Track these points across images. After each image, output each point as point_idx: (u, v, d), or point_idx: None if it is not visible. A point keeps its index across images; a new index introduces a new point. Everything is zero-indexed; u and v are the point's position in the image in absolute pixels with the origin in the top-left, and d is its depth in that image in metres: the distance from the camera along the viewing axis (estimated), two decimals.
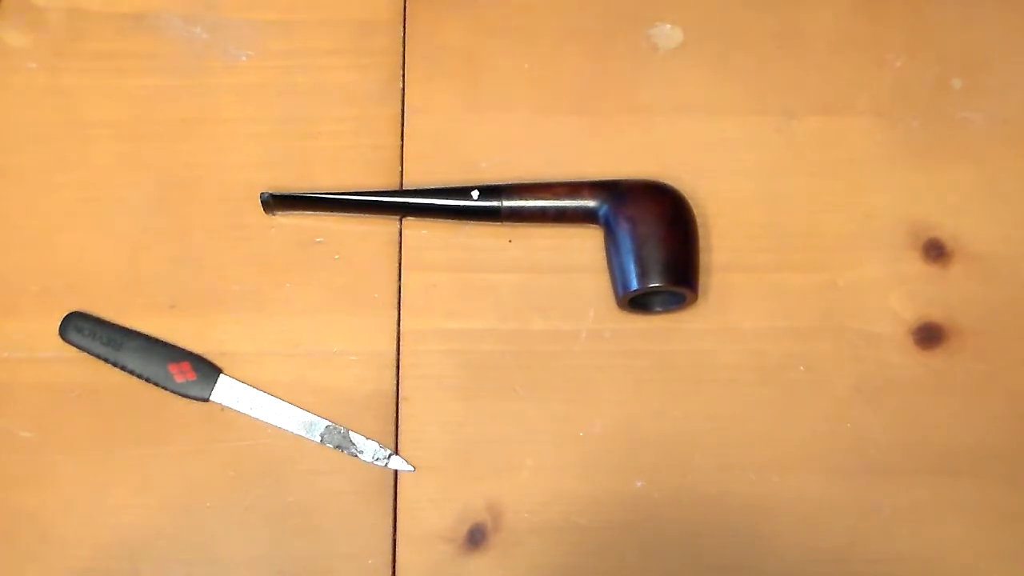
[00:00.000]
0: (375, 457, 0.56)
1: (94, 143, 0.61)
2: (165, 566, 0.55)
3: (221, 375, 0.57)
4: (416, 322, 0.58)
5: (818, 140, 0.61)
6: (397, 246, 0.60)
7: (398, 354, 0.58)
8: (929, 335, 0.58)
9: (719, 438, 0.57)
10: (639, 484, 0.56)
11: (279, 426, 0.56)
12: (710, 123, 0.62)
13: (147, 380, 0.57)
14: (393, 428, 0.57)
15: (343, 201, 0.59)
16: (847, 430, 0.57)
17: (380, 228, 0.60)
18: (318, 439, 0.56)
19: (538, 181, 0.59)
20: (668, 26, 0.64)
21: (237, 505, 0.56)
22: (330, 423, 0.57)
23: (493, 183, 0.58)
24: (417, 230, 0.60)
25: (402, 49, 0.63)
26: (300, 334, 0.58)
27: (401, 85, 0.62)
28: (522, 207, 0.58)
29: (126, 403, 0.57)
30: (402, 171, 0.61)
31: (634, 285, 0.55)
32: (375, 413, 0.57)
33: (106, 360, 0.57)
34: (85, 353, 0.57)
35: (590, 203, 0.58)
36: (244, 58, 0.63)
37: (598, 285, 0.59)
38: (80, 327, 0.57)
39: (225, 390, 0.57)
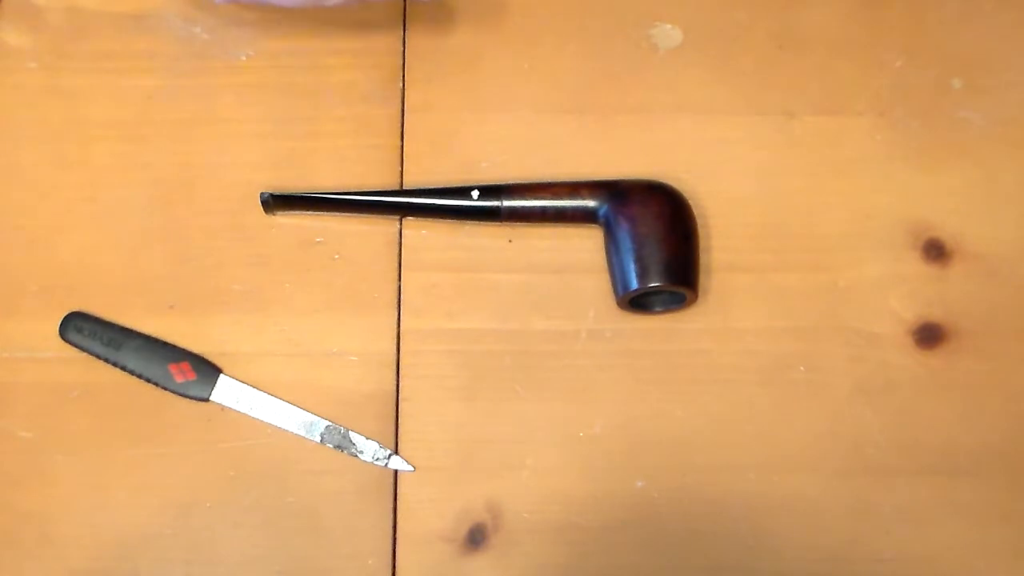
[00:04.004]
0: (375, 457, 0.56)
1: (94, 143, 0.61)
2: (165, 566, 0.55)
3: (221, 375, 0.57)
4: (416, 322, 0.58)
5: (818, 140, 0.61)
6: (397, 246, 0.60)
7: (398, 354, 0.58)
8: (929, 335, 0.58)
9: (719, 438, 0.57)
10: (639, 484, 0.56)
11: (279, 426, 0.56)
12: (710, 123, 0.62)
13: (147, 380, 0.57)
14: (393, 428, 0.57)
15: (343, 201, 0.59)
16: (847, 430, 0.57)
17: (380, 228, 0.60)
18: (318, 439, 0.56)
19: (538, 181, 0.59)
20: (668, 26, 0.64)
21: (237, 505, 0.56)
22: (330, 423, 0.57)
23: (493, 183, 0.58)
24: (417, 230, 0.60)
25: (402, 49, 0.63)
26: (300, 334, 0.58)
27: (401, 85, 0.62)
28: (522, 207, 0.58)
29: (126, 403, 0.57)
30: (402, 171, 0.61)
31: (634, 285, 0.55)
32: (375, 413, 0.57)
33: (106, 360, 0.57)
34: (85, 353, 0.57)
35: (590, 203, 0.58)
36: (244, 58, 0.63)
37: (598, 285, 0.59)
38: (80, 327, 0.57)
39: (225, 390, 0.57)
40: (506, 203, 0.58)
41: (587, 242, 0.59)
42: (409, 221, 0.60)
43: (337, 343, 0.58)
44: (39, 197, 0.61)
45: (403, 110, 0.62)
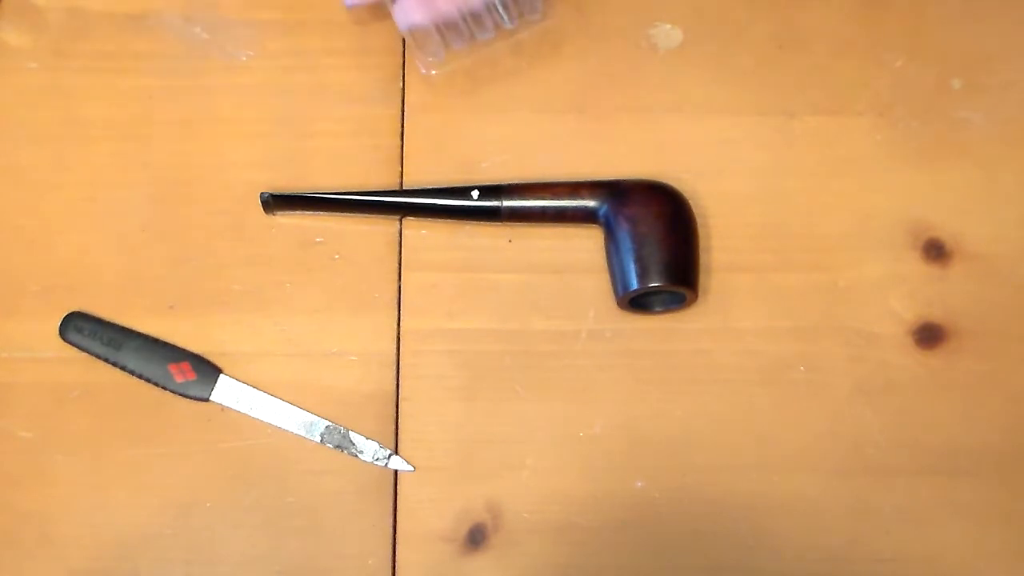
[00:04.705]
0: (375, 457, 0.56)
1: (94, 143, 0.61)
2: (165, 566, 0.55)
3: (221, 375, 0.57)
4: (416, 322, 0.58)
5: (818, 140, 0.61)
6: (397, 246, 0.60)
7: (398, 354, 0.58)
8: (929, 335, 0.58)
9: (719, 438, 0.57)
10: (639, 484, 0.56)
11: (279, 426, 0.56)
12: (710, 123, 0.62)
13: (147, 380, 0.57)
14: (393, 428, 0.57)
15: (343, 201, 0.59)
16: (847, 430, 0.57)
17: (380, 228, 0.60)
18: (318, 439, 0.56)
19: (538, 181, 0.59)
20: (668, 26, 0.64)
21: (237, 505, 0.56)
22: (330, 423, 0.57)
23: (493, 183, 0.58)
24: (417, 230, 0.60)
25: (402, 49, 0.63)
26: (300, 334, 0.58)
27: (401, 85, 0.62)
28: (522, 207, 0.58)
29: (126, 403, 0.57)
30: (402, 171, 0.61)
31: (634, 285, 0.55)
32: (375, 413, 0.57)
33: (106, 360, 0.57)
34: (85, 353, 0.57)
35: (590, 203, 0.58)
36: (244, 58, 0.63)
37: (598, 285, 0.59)
38: (80, 327, 0.57)
39: (225, 390, 0.57)
40: (506, 203, 0.58)
41: (587, 242, 0.59)
42: (409, 221, 0.60)
43: (337, 343, 0.58)
44: (39, 197, 0.60)
45: (403, 110, 0.62)
